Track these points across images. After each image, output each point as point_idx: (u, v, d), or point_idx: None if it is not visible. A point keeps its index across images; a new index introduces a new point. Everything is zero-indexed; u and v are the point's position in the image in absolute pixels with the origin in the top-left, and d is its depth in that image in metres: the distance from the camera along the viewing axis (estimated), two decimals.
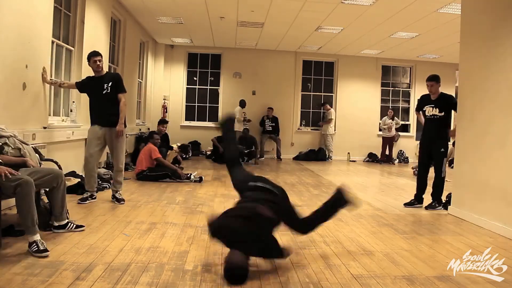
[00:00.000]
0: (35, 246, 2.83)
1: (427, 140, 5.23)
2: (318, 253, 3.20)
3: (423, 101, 5.33)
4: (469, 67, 4.84)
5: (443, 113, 5.05)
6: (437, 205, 5.08)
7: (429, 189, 5.24)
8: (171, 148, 8.44)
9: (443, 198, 5.21)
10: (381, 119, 11.82)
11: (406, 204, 5.27)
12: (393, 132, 11.33)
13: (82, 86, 4.79)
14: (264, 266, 2.86)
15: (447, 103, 5.09)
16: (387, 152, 11.41)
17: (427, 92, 5.26)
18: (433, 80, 5.13)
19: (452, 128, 4.96)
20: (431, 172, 5.23)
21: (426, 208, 5.07)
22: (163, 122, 8.42)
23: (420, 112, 5.36)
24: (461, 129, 4.97)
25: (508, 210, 3.95)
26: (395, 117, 11.54)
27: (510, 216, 3.92)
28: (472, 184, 4.59)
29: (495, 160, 4.24)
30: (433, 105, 5.13)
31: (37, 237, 2.87)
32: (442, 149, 5.07)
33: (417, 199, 5.26)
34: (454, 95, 5.44)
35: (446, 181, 5.20)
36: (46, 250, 2.83)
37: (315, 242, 3.50)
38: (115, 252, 3.00)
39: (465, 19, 4.99)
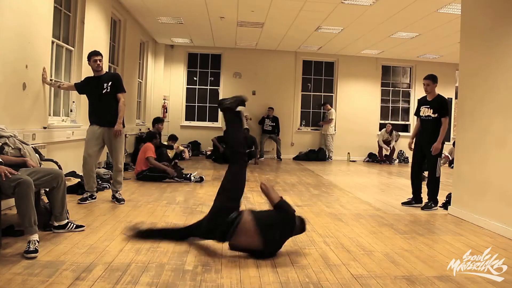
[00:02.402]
0: (27, 246, 2.83)
1: (421, 141, 5.24)
2: (318, 253, 3.20)
3: (420, 103, 5.37)
4: (469, 67, 4.84)
5: (436, 115, 5.05)
6: (432, 205, 5.08)
7: (424, 189, 5.26)
8: (171, 147, 8.43)
9: (443, 198, 5.22)
10: (379, 130, 11.83)
11: (404, 203, 5.31)
12: (391, 146, 11.30)
13: (82, 87, 4.78)
14: (264, 266, 2.86)
15: (440, 106, 5.07)
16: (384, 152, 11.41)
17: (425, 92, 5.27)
18: (429, 79, 5.15)
19: (436, 143, 4.98)
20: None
21: (422, 208, 5.07)
22: (162, 120, 8.41)
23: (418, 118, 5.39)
24: (461, 129, 4.97)
25: (508, 210, 3.95)
26: (394, 131, 11.48)
27: (510, 216, 3.92)
28: (472, 184, 4.59)
29: (495, 160, 4.24)
30: (428, 106, 5.15)
31: (34, 237, 2.87)
32: None
33: (415, 198, 5.28)
34: (454, 96, 5.46)
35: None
36: (35, 251, 2.80)
37: (315, 242, 3.50)
38: (115, 252, 2.99)
39: (465, 19, 4.99)
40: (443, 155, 7.86)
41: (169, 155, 8.05)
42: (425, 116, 5.16)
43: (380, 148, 11.40)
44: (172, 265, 2.79)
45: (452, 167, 5.38)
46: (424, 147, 5.15)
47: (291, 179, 7.43)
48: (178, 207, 4.63)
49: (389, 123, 11.61)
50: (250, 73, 11.77)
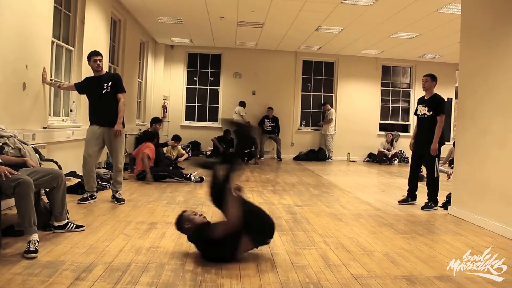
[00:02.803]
0: (27, 246, 2.83)
1: (418, 140, 5.26)
2: (318, 253, 3.20)
3: (418, 102, 5.42)
4: (469, 67, 4.84)
5: (431, 113, 5.08)
6: (432, 205, 5.09)
7: (424, 189, 5.26)
8: (165, 145, 8.40)
9: (443, 198, 5.22)
10: (379, 130, 11.84)
11: (400, 202, 5.36)
12: (392, 152, 11.30)
13: (82, 87, 4.79)
14: (264, 266, 2.86)
15: (435, 105, 5.08)
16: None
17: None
18: (429, 76, 5.23)
19: (433, 144, 4.99)
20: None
21: (422, 208, 5.07)
22: (160, 121, 8.38)
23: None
24: (461, 129, 4.97)
25: (508, 210, 3.95)
26: (394, 139, 11.37)
27: (510, 216, 3.92)
28: (472, 184, 4.59)
29: (495, 160, 4.24)
30: (424, 104, 5.19)
31: (34, 237, 2.87)
32: None
33: (410, 196, 5.33)
34: (454, 96, 5.47)
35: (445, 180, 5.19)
36: (35, 251, 2.80)
37: (315, 242, 3.50)
38: (115, 252, 3.00)
39: (465, 19, 4.99)
40: (446, 170, 7.73)
41: (172, 154, 8.04)
42: (421, 114, 5.22)
43: (380, 153, 11.38)
44: (172, 265, 2.79)
45: (452, 167, 5.37)
46: (422, 147, 5.17)
47: (291, 179, 7.43)
48: (178, 207, 4.62)
49: (390, 133, 11.52)
50: (250, 73, 11.76)
